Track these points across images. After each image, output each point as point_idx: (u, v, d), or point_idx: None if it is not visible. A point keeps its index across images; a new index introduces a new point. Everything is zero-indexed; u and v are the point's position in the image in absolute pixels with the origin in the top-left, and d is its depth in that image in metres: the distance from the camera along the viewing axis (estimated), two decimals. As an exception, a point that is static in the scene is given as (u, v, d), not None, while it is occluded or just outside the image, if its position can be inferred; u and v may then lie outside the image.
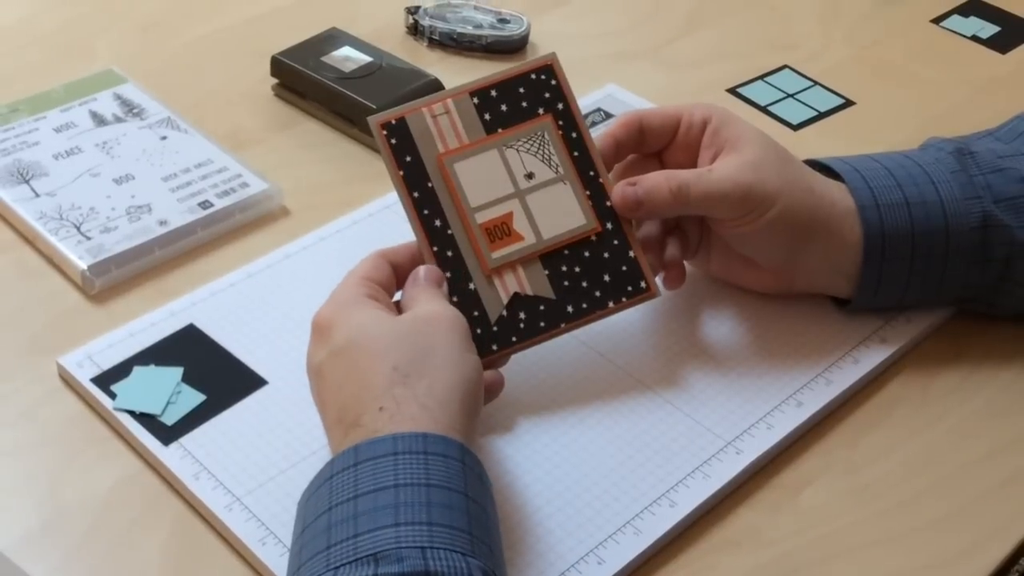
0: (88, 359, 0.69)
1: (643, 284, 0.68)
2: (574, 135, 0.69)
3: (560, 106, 0.69)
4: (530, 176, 0.68)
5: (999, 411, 0.71)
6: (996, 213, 0.70)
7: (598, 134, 0.70)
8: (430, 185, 0.66)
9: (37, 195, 0.79)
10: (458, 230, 0.66)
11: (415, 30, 0.99)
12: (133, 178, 0.81)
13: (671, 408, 0.68)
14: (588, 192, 0.68)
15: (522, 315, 0.66)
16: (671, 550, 0.62)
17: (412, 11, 0.99)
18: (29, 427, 0.67)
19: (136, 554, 0.61)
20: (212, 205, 0.79)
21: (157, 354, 0.69)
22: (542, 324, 0.66)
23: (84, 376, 0.68)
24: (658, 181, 0.68)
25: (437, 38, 0.98)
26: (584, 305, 0.67)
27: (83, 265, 0.74)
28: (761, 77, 0.98)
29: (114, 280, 0.75)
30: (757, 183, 0.68)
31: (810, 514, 0.65)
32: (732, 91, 0.96)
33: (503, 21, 0.99)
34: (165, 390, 0.67)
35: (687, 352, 0.71)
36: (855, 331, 0.73)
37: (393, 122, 0.67)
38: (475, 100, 0.68)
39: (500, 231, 0.67)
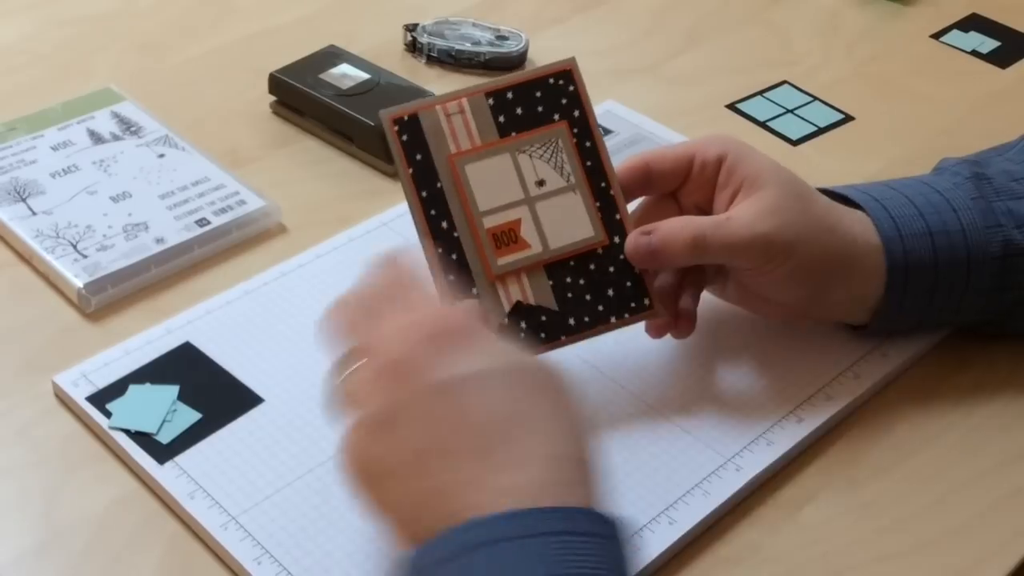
0: (83, 378, 0.68)
1: (647, 302, 0.67)
2: (588, 144, 0.68)
3: (576, 113, 0.68)
4: (541, 183, 0.67)
5: (1002, 426, 0.70)
6: (1017, 239, 0.69)
7: None
8: (439, 185, 0.66)
9: (34, 213, 0.79)
10: (464, 234, 0.65)
11: (413, 47, 0.99)
12: (130, 196, 0.81)
13: (670, 425, 0.68)
14: (598, 204, 0.67)
15: (523, 324, 0.65)
16: (671, 568, 0.62)
17: (410, 28, 0.99)
18: (24, 446, 0.66)
19: (131, 574, 0.60)
20: (209, 223, 0.79)
21: (153, 372, 0.69)
22: (543, 335, 0.66)
23: (79, 395, 0.68)
24: (674, 230, 0.65)
25: (436, 55, 0.98)
26: (586, 319, 0.66)
27: (79, 283, 0.74)
28: (760, 93, 0.98)
29: (110, 298, 0.75)
30: (776, 232, 0.65)
31: (811, 531, 0.64)
32: (731, 107, 0.96)
33: (501, 38, 0.99)
34: (161, 408, 0.67)
35: (686, 368, 0.71)
36: (856, 346, 0.73)
37: (405, 118, 0.66)
38: (490, 101, 0.67)
39: (507, 237, 0.66)
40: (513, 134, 0.67)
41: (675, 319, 0.69)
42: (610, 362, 0.71)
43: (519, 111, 0.67)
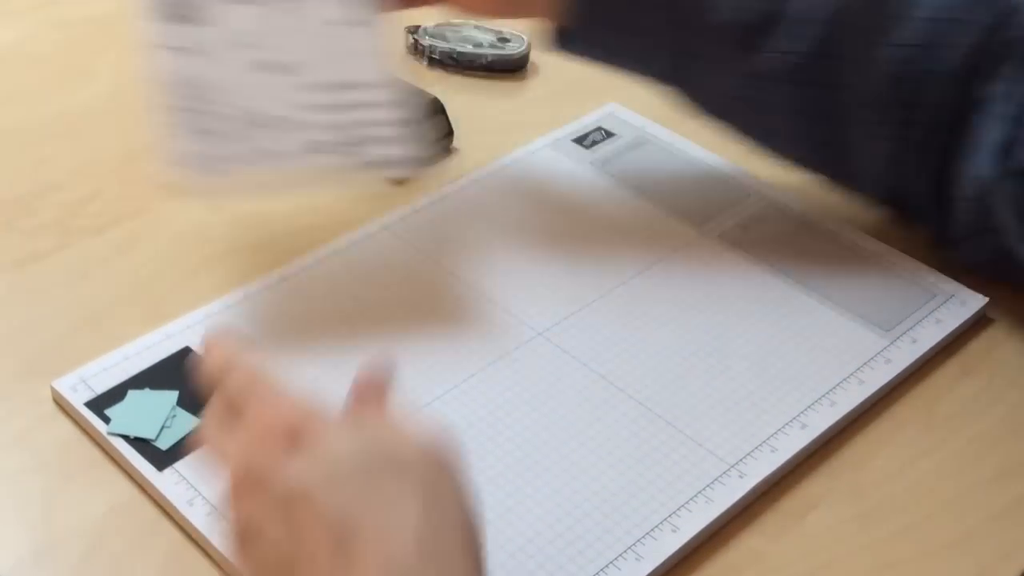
0: (82, 383, 0.68)
1: None
2: None
3: None
4: None
5: (1007, 432, 0.70)
6: None
7: None
8: None
9: (33, 217, 0.79)
10: None
11: (415, 49, 0.99)
12: (130, 199, 0.81)
13: (673, 431, 0.67)
14: None
15: None
16: (673, 576, 0.61)
17: (412, 31, 0.99)
18: (22, 452, 0.66)
19: (129, 581, 0.60)
20: (209, 226, 0.79)
21: (152, 378, 0.69)
22: None
23: (78, 400, 0.67)
24: None
25: (437, 57, 0.98)
26: None
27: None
28: (764, 95, 0.97)
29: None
30: None
31: (815, 538, 0.64)
32: (734, 109, 0.95)
33: (503, 40, 0.98)
34: (160, 414, 0.66)
35: (689, 373, 0.71)
36: (860, 352, 0.72)
37: None
38: None
39: None
40: None
41: None
42: (612, 367, 0.70)
43: None
